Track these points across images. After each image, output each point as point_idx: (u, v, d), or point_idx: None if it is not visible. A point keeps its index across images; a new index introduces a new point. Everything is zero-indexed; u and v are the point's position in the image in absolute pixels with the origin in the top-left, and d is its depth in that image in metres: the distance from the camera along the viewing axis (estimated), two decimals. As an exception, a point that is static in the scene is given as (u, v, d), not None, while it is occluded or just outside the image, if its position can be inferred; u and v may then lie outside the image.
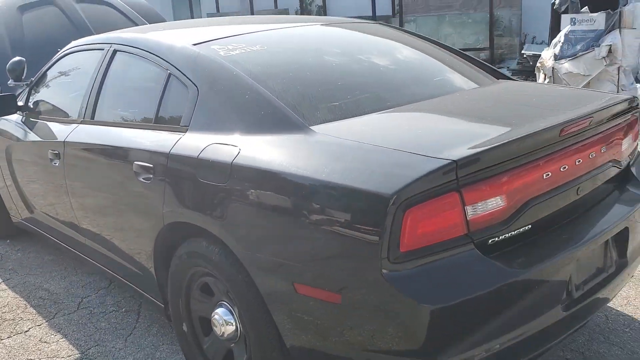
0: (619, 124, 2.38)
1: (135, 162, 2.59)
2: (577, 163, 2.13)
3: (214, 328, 2.41)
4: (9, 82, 3.91)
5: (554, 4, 7.03)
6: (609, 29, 6.69)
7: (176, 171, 2.40)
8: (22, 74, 3.83)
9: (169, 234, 2.50)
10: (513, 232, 1.94)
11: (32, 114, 3.67)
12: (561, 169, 2.06)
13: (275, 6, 15.68)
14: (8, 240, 4.52)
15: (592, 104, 2.32)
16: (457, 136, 2.06)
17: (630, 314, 2.96)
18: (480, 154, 1.83)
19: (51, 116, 3.49)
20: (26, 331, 3.21)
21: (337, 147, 2.03)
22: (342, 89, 2.50)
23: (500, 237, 1.90)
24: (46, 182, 3.46)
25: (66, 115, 3.37)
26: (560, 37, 6.88)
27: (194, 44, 2.65)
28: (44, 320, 3.30)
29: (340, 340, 1.94)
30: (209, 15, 16.30)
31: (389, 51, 3.06)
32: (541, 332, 1.99)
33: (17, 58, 3.83)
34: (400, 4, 12.40)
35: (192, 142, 2.36)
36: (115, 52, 3.05)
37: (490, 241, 1.88)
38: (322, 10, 15.38)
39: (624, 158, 2.45)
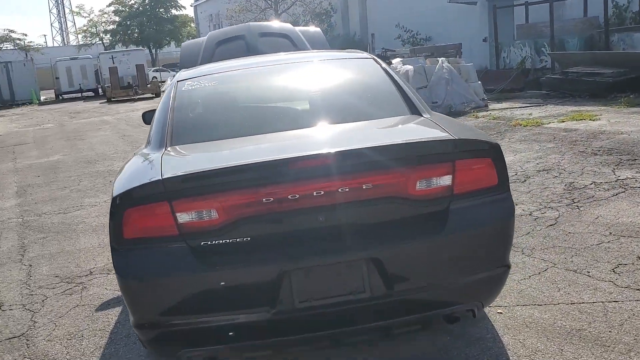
0: (414, 164, 2.48)
1: None
2: (315, 194, 2.39)
3: None
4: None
5: None
6: None
7: None
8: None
9: None
10: (228, 240, 2.41)
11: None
12: (290, 197, 2.39)
13: (585, 14, 14.79)
14: None
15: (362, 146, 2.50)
16: (212, 160, 2.61)
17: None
18: (186, 175, 2.41)
19: None
20: None
21: (147, 162, 2.80)
22: (224, 119, 3.18)
23: (214, 242, 2.41)
24: None
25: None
26: None
27: (179, 80, 3.62)
28: None
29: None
30: (518, 26, 16.26)
31: (315, 91, 3.44)
32: (250, 327, 2.42)
33: None
34: None
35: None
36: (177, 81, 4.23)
37: (202, 243, 2.42)
38: (638, 16, 13.94)
39: (420, 197, 2.49)
